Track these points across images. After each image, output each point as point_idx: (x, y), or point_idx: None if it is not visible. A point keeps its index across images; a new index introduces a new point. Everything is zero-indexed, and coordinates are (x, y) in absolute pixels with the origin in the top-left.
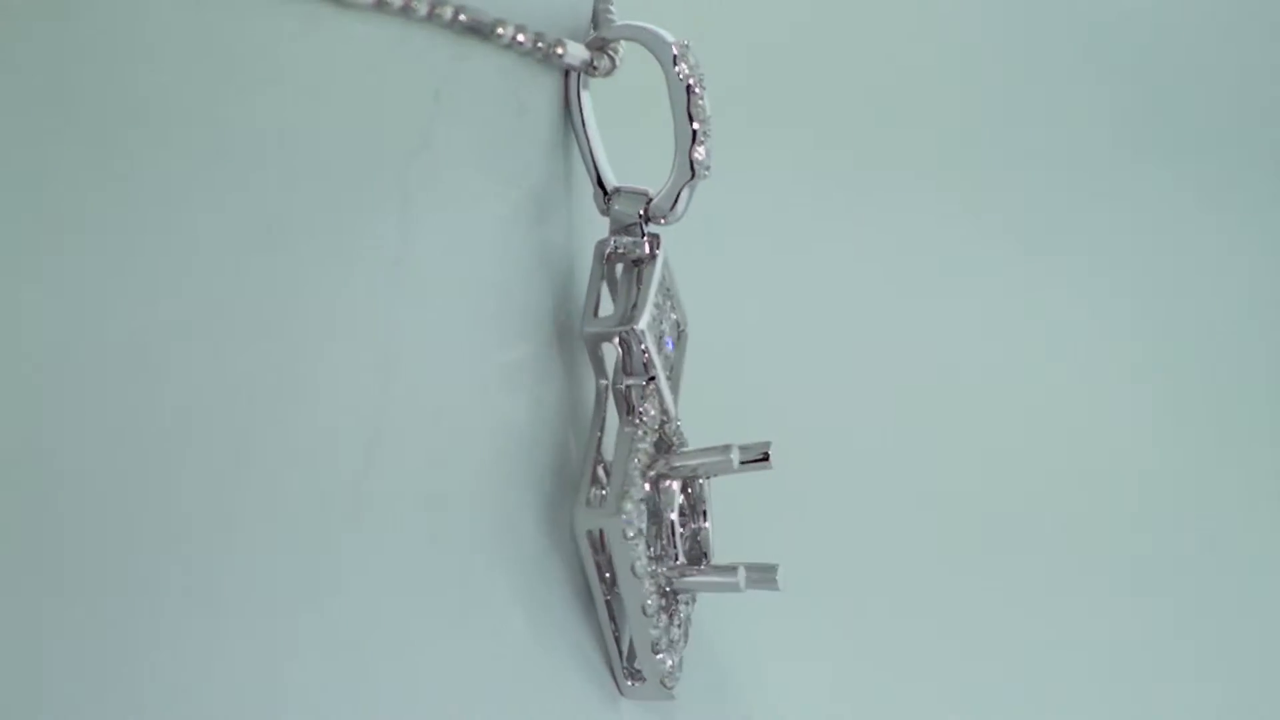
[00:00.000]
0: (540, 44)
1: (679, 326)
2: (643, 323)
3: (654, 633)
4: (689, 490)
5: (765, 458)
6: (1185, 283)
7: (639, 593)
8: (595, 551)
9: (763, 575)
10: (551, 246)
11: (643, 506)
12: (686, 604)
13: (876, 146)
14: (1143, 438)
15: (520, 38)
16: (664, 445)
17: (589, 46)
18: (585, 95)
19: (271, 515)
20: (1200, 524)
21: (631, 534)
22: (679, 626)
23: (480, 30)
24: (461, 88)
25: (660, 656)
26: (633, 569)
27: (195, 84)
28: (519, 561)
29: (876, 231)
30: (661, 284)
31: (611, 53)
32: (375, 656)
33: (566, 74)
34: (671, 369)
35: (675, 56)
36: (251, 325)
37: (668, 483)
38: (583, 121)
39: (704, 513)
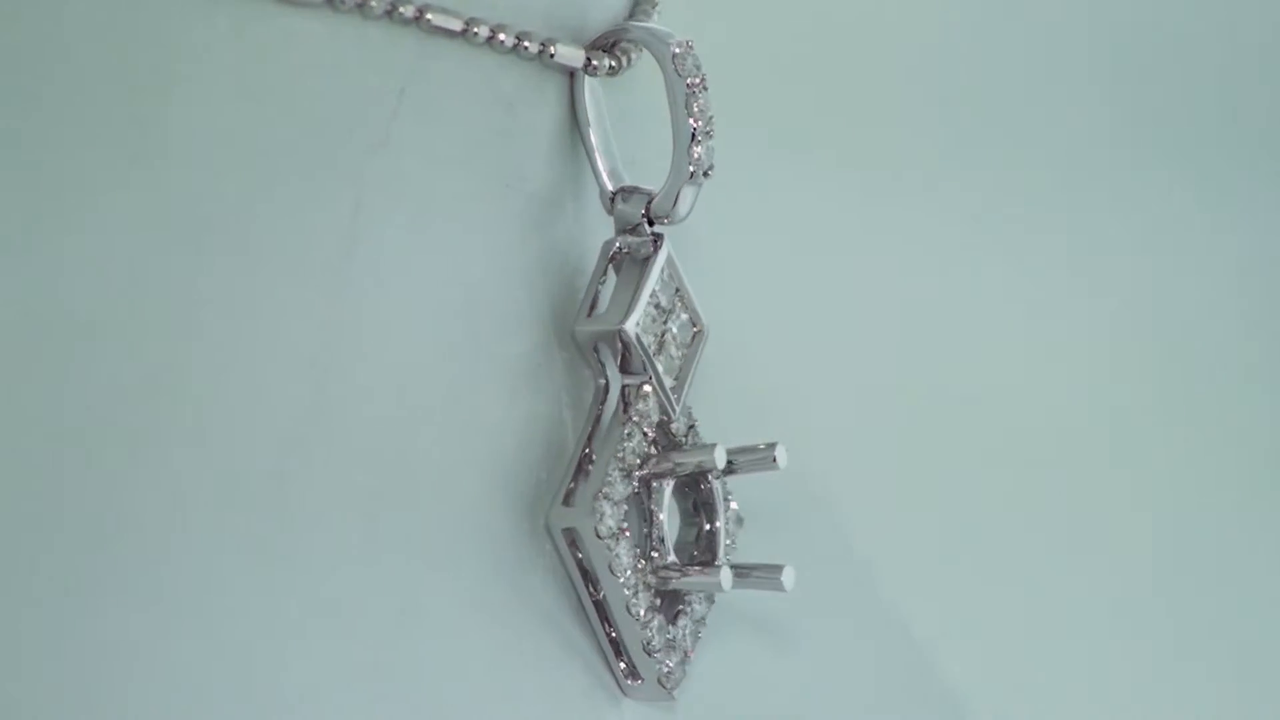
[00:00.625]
0: (527, 44)
1: (692, 326)
2: (630, 323)
3: (644, 633)
4: (701, 489)
5: (771, 459)
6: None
7: (620, 593)
8: (574, 550)
9: (767, 577)
10: (545, 244)
11: (623, 506)
12: (699, 604)
13: (888, 142)
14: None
15: (502, 37)
16: (672, 445)
17: (594, 46)
18: (587, 94)
19: (180, 512)
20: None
21: (604, 533)
22: (685, 627)
23: (449, 30)
24: (432, 86)
25: (655, 656)
26: (610, 568)
27: (118, 82)
28: (502, 562)
29: (892, 226)
30: (667, 284)
31: (619, 53)
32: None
33: (573, 73)
34: (680, 369)
35: (674, 55)
36: (168, 324)
37: (659, 482)
38: (589, 120)
39: (713, 513)
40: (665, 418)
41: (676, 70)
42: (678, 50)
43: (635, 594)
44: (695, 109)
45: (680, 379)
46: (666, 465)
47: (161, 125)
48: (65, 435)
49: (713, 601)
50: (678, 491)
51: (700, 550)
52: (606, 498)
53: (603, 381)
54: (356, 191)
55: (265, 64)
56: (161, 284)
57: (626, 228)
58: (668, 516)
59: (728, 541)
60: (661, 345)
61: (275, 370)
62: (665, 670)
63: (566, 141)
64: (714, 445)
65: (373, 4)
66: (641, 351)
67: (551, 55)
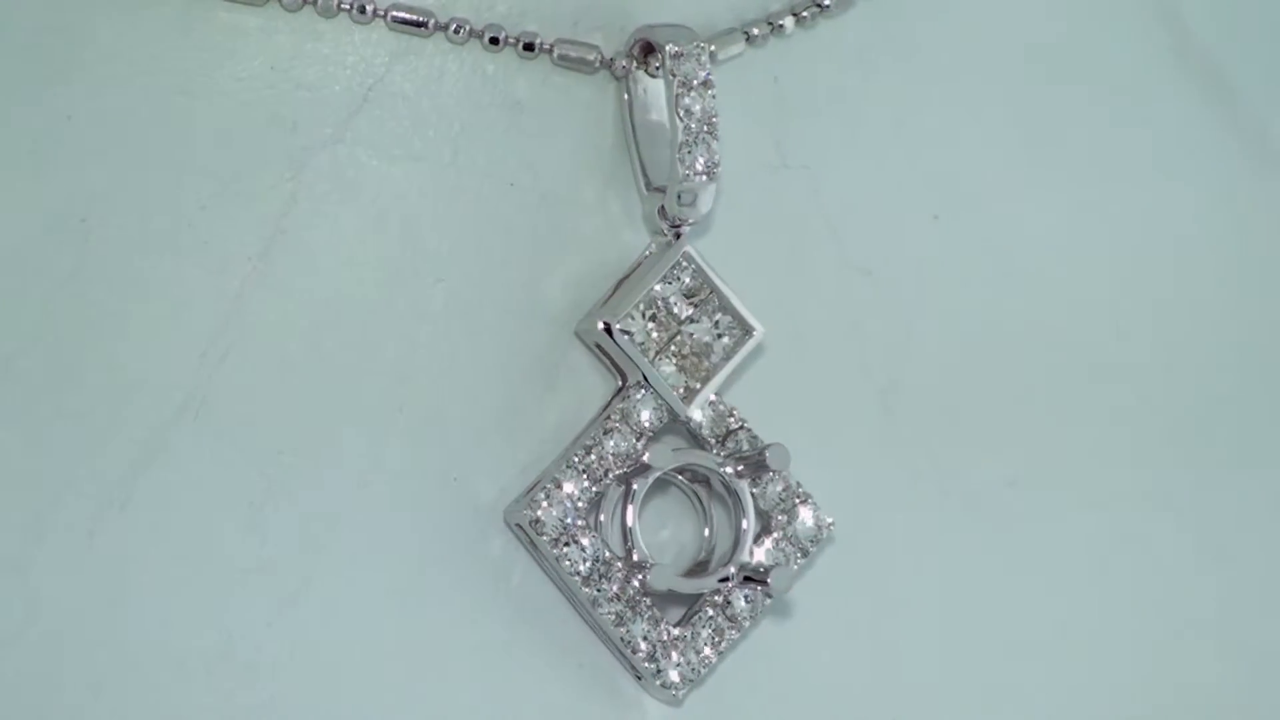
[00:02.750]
0: (528, 44)
1: (731, 329)
2: (618, 323)
3: (618, 631)
4: (731, 492)
5: (760, 463)
6: None
7: (578, 593)
8: (531, 546)
9: (752, 584)
10: (558, 243)
11: (578, 506)
12: (714, 606)
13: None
14: None
15: (517, 38)
16: (698, 446)
17: (633, 46)
18: (624, 95)
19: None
20: None
21: (545, 533)
22: (703, 627)
23: (417, 29)
24: (411, 84)
25: (638, 656)
26: (556, 568)
27: (43, 73)
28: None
29: None
30: (684, 284)
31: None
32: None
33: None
34: (702, 371)
35: (670, 55)
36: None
37: (639, 481)
38: (629, 122)
39: (740, 516)
40: (668, 419)
41: (671, 71)
42: (674, 50)
43: (596, 591)
44: (681, 109)
45: (702, 380)
46: (641, 465)
47: (90, 115)
48: None
49: (729, 604)
50: (717, 496)
51: (720, 555)
52: (553, 497)
53: (618, 384)
54: (294, 186)
55: (213, 61)
56: (43, 275)
57: (656, 229)
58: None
59: (754, 545)
60: (669, 345)
61: (160, 355)
62: (654, 670)
63: (589, 142)
64: (657, 442)
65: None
66: (623, 351)
67: (556, 55)
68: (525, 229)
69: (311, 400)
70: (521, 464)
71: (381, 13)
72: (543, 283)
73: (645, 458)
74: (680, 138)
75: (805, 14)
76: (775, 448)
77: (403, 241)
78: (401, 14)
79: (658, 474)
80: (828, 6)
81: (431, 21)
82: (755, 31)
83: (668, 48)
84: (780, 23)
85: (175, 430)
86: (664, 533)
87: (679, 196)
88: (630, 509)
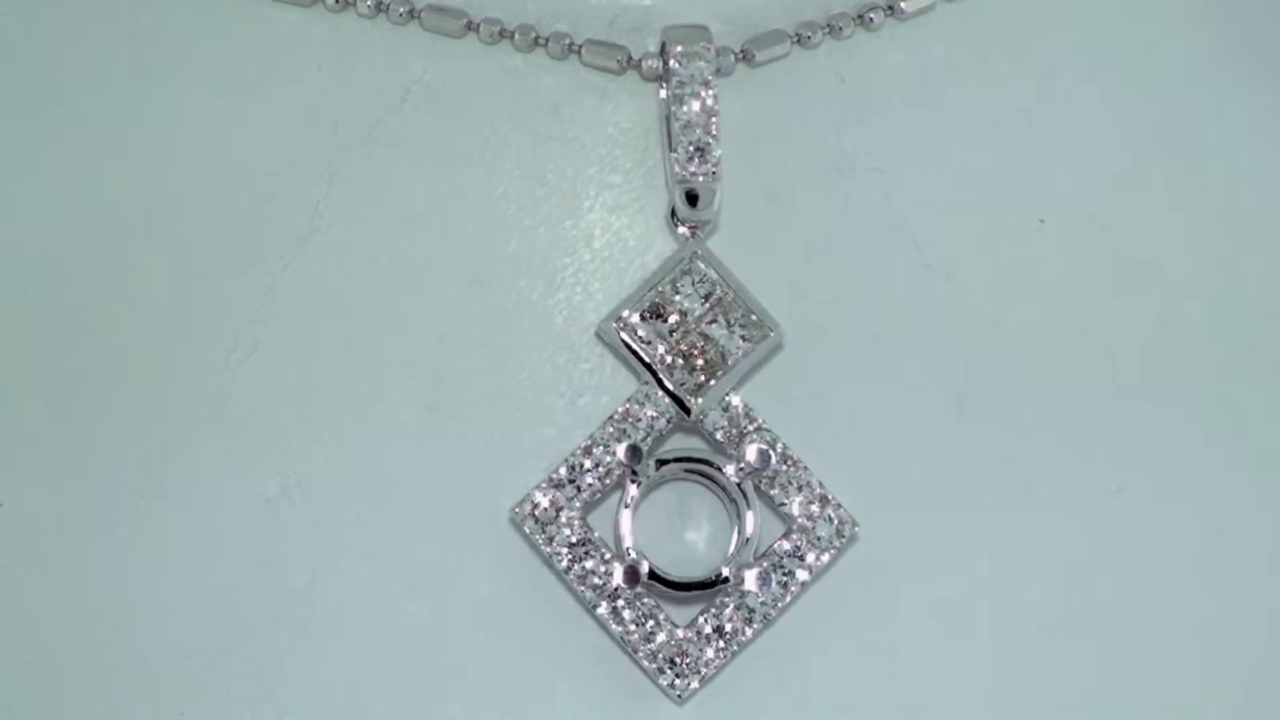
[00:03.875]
0: (557, 46)
1: (740, 327)
2: (618, 323)
3: (618, 630)
4: (731, 492)
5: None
6: None
7: (575, 591)
8: (530, 543)
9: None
10: (582, 241)
11: (575, 504)
12: (721, 607)
13: None
14: None
15: (534, 38)
16: (714, 446)
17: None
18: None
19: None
20: None
21: (530, 529)
22: (709, 627)
23: (450, 31)
24: (448, 87)
25: (640, 655)
26: (549, 564)
27: (107, 74)
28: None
29: None
30: (693, 284)
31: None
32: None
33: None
34: (717, 371)
35: (672, 56)
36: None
37: (632, 482)
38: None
39: (740, 518)
40: (688, 419)
41: (666, 75)
42: (676, 50)
43: (593, 590)
44: (678, 109)
45: (711, 379)
46: (641, 465)
47: (136, 118)
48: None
49: (738, 606)
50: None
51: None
52: (545, 494)
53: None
54: (329, 186)
55: (260, 60)
56: (102, 265)
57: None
58: (630, 515)
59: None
60: (679, 345)
61: (192, 351)
62: (656, 669)
63: (622, 142)
64: (663, 443)
65: (358, 4)
66: (628, 350)
67: (628, 61)
68: (556, 229)
69: (338, 398)
70: (547, 464)
71: (417, 13)
72: (574, 283)
73: (647, 458)
74: (675, 138)
75: (870, 15)
76: (755, 449)
77: (435, 242)
78: (435, 15)
79: (655, 474)
80: (899, 10)
81: (465, 22)
82: (805, 33)
83: (673, 48)
84: (838, 25)
85: (203, 425)
86: (691, 534)
87: (682, 196)
88: (625, 509)
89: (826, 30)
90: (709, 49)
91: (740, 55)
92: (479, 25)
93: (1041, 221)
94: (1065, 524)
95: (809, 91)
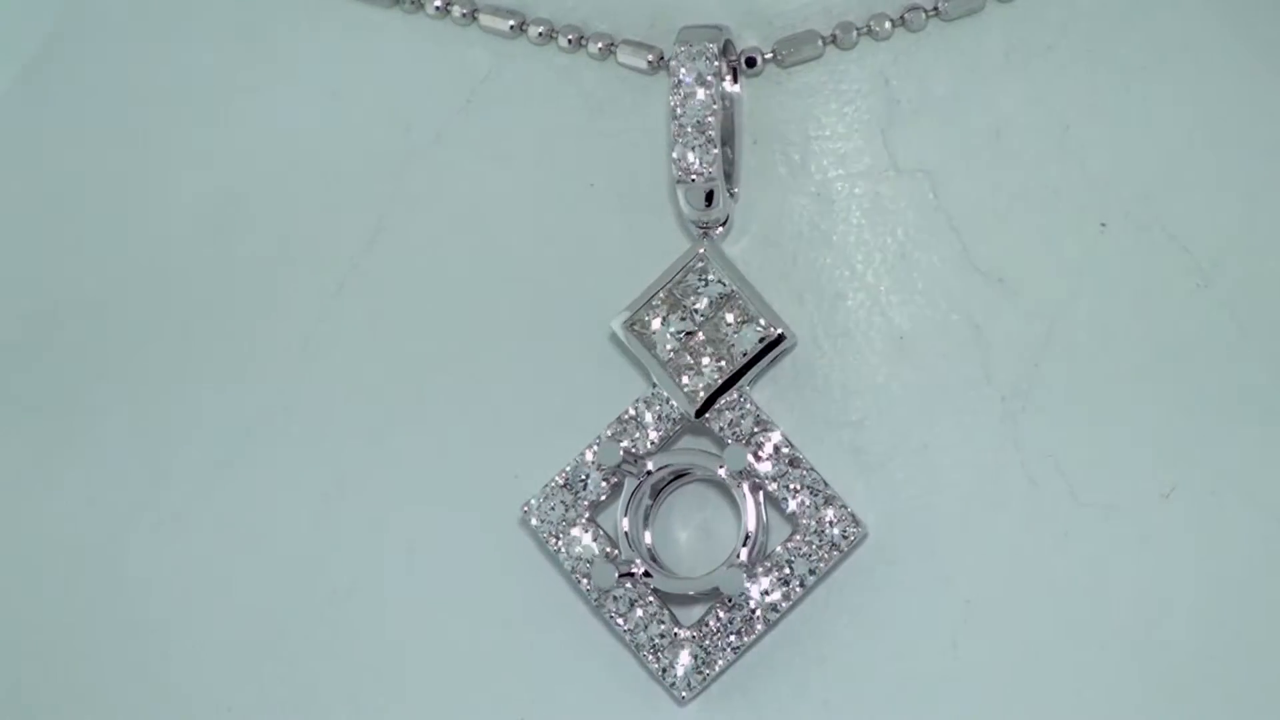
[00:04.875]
0: (595, 47)
1: (745, 328)
2: (616, 322)
3: (620, 628)
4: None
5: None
6: None
7: (579, 590)
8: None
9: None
10: (629, 241)
11: (574, 504)
12: (727, 608)
13: None
14: None
15: (572, 39)
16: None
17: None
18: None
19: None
20: None
21: (537, 528)
22: (712, 628)
23: (503, 32)
24: (506, 87)
25: (643, 654)
26: (556, 564)
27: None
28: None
29: None
30: (700, 285)
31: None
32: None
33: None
34: (728, 372)
35: (675, 54)
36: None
37: (629, 483)
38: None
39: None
40: (694, 419)
41: (671, 74)
42: (680, 50)
43: (598, 589)
44: (676, 109)
45: (715, 380)
46: (641, 466)
47: (213, 117)
48: None
49: (737, 607)
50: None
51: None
52: (553, 495)
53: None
54: (397, 186)
55: (338, 60)
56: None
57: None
58: (634, 516)
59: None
60: (685, 345)
61: (265, 348)
62: (658, 669)
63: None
64: (672, 442)
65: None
66: (631, 351)
67: (659, 60)
68: (603, 230)
69: (392, 395)
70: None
71: (473, 14)
72: (620, 284)
73: (649, 459)
74: (673, 138)
75: (905, 16)
76: (731, 449)
77: (488, 242)
78: (490, 15)
79: (658, 475)
80: (942, 11)
81: (516, 23)
82: (840, 34)
83: (677, 48)
84: (877, 26)
85: (266, 423)
86: (692, 535)
87: (683, 196)
88: (628, 509)
89: (864, 31)
90: (712, 48)
91: (770, 57)
92: (527, 26)
93: (1104, 225)
94: (1107, 528)
95: (855, 92)
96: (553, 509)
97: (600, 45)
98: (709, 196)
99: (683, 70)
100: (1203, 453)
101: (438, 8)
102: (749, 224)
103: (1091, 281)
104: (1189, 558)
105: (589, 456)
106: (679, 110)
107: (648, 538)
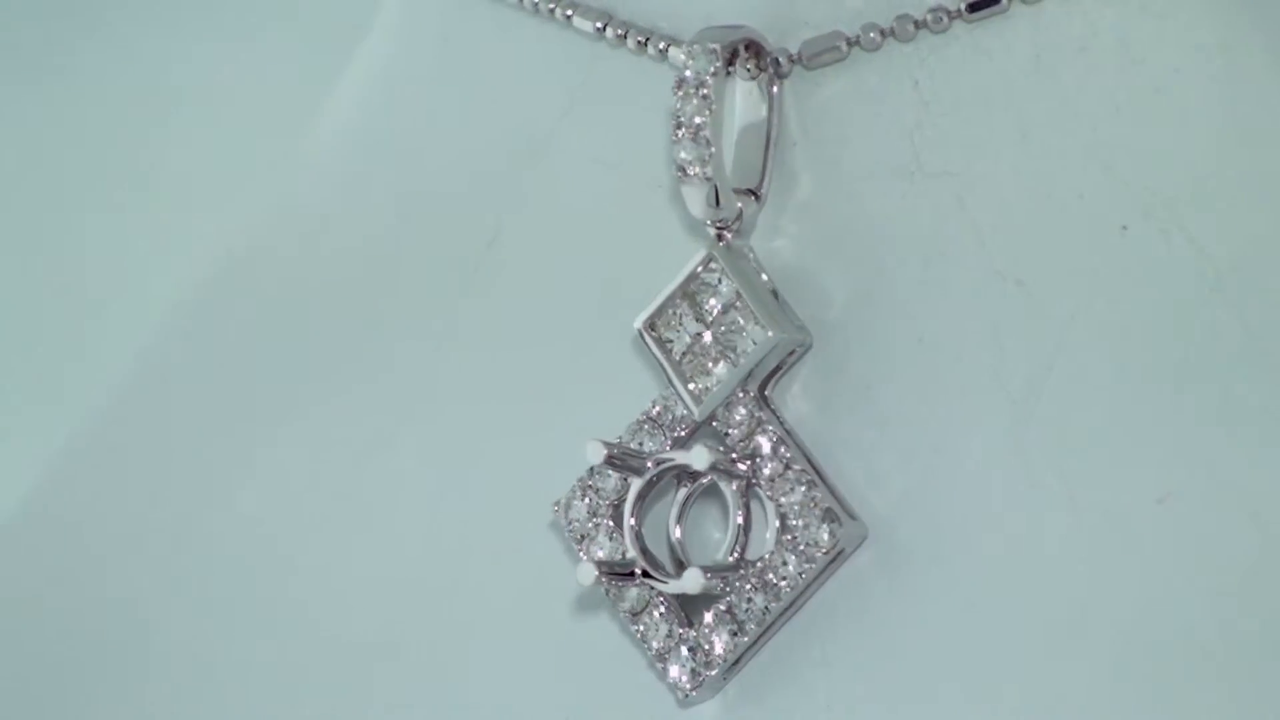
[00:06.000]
0: (654, 48)
1: (743, 329)
2: (638, 322)
3: (634, 628)
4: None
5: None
6: None
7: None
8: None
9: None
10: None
11: (591, 500)
12: (723, 607)
13: None
14: None
15: (638, 40)
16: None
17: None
18: (745, 93)
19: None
20: None
21: (564, 527)
22: (714, 628)
23: (589, 35)
24: (599, 89)
25: (651, 654)
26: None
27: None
28: None
29: None
30: (712, 287)
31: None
32: None
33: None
34: (728, 373)
35: (685, 51)
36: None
37: (631, 484)
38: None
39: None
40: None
41: (677, 70)
42: (686, 50)
43: (615, 589)
44: (675, 110)
45: (722, 380)
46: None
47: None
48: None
49: (739, 603)
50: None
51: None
52: (577, 493)
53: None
54: (507, 191)
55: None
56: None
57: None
58: (631, 517)
59: (736, 549)
60: (693, 345)
61: (393, 349)
62: (662, 668)
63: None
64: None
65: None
66: (655, 350)
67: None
68: (681, 232)
69: (510, 405)
70: None
71: (569, 18)
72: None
73: (648, 458)
74: (672, 138)
75: (926, 18)
76: (696, 449)
77: (602, 256)
78: (580, 16)
79: (656, 475)
80: (963, 13)
81: (598, 25)
82: (865, 35)
83: (684, 46)
84: (901, 27)
85: (399, 428)
86: (684, 534)
87: (687, 196)
88: (632, 510)
89: (889, 34)
90: (714, 48)
91: (795, 58)
92: (605, 29)
93: (1125, 228)
94: (1103, 533)
95: (884, 94)
96: (577, 508)
97: (661, 46)
98: (709, 196)
99: (687, 71)
100: (1204, 460)
101: (546, 12)
102: (780, 225)
103: (1108, 285)
104: (1184, 564)
105: (611, 457)
106: (678, 109)
107: (639, 537)
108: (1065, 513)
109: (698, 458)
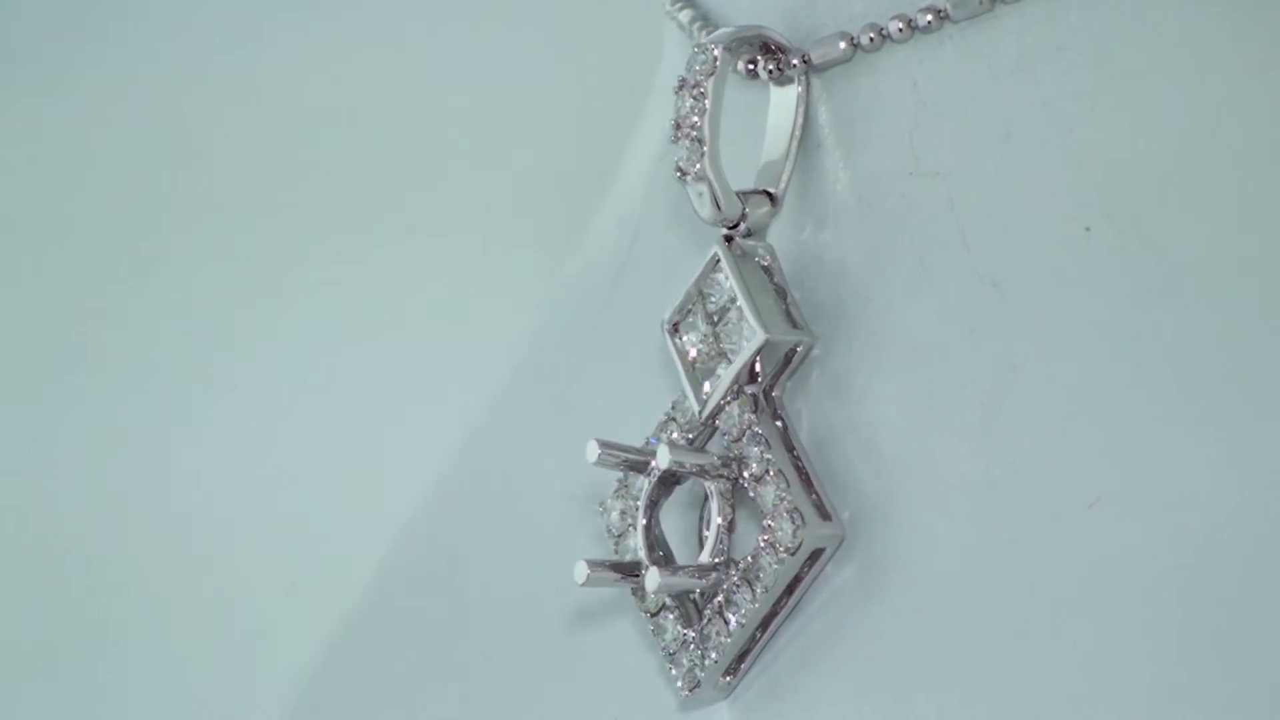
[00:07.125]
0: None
1: (737, 329)
2: (666, 316)
3: (650, 629)
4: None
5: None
6: None
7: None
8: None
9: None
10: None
11: (625, 501)
12: (715, 609)
13: None
14: None
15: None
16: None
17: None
18: (773, 96)
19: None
20: None
21: (605, 522)
22: (713, 625)
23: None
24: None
25: (662, 655)
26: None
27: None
28: None
29: None
30: (721, 288)
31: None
32: None
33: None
34: (723, 374)
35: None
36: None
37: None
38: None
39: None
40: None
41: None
42: (691, 52)
43: (635, 589)
44: (674, 110)
45: (719, 381)
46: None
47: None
48: None
49: (746, 606)
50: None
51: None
52: (614, 493)
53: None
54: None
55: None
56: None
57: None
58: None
59: (720, 547)
60: (700, 346)
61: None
62: (669, 669)
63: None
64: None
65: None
66: (670, 347)
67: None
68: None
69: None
70: None
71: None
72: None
73: (650, 458)
74: (672, 139)
75: (913, 19)
76: (660, 449)
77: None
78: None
79: (657, 475)
80: (948, 14)
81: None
82: (864, 36)
83: (693, 44)
84: (889, 29)
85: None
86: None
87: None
88: (635, 510)
89: (883, 34)
90: (714, 48)
91: (803, 59)
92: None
93: (1088, 229)
94: (1056, 534)
95: (883, 96)
96: (613, 508)
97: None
98: (708, 196)
99: (690, 71)
100: (1151, 459)
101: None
102: (792, 223)
103: (1073, 287)
104: (1162, 565)
105: (635, 459)
106: (677, 109)
107: (647, 536)
108: (1022, 514)
109: (661, 456)
